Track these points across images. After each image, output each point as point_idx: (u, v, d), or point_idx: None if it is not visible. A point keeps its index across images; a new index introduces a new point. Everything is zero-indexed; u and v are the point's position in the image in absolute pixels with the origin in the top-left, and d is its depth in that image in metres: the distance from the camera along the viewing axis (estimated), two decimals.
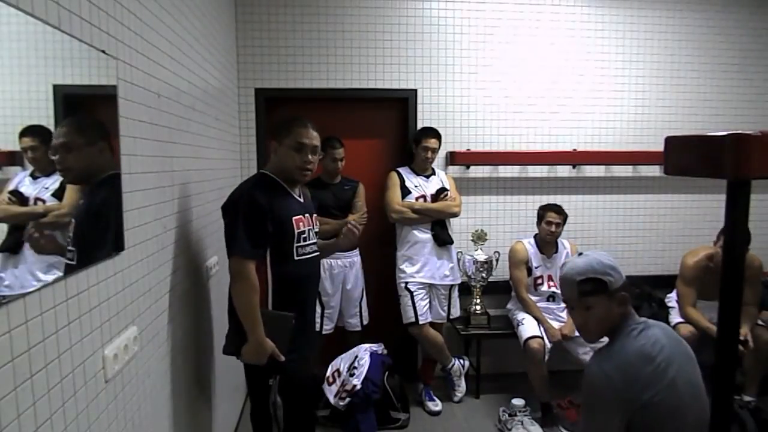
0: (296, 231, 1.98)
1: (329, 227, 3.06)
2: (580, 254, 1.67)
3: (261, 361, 1.91)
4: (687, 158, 0.99)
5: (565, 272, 1.64)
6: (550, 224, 3.25)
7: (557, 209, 3.29)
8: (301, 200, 2.09)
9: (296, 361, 2.01)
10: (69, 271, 1.10)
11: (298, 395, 2.10)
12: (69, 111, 1.16)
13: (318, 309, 2.97)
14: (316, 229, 2.15)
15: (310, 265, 2.06)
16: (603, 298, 1.56)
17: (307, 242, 2.04)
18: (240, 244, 1.86)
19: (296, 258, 1.99)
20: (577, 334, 3.08)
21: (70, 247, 1.12)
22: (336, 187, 3.21)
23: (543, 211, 3.32)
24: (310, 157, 1.99)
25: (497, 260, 3.46)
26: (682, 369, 1.50)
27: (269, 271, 1.95)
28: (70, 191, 1.13)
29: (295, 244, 1.98)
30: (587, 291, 1.57)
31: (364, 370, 2.97)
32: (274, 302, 1.96)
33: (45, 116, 1.06)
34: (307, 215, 2.06)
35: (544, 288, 3.31)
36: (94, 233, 1.26)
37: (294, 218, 1.98)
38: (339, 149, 3.14)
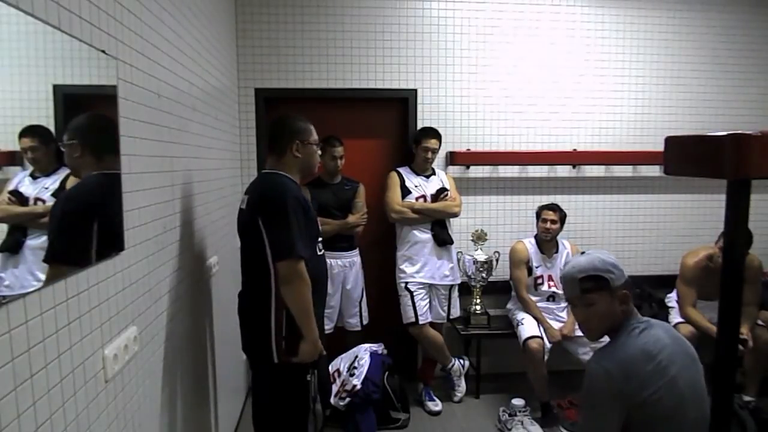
0: (320, 229, 2.09)
1: (329, 227, 3.06)
2: (583, 253, 1.69)
3: (315, 358, 1.96)
4: (687, 158, 0.99)
5: (567, 270, 1.66)
6: (545, 221, 3.27)
7: (553, 207, 3.31)
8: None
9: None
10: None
11: (326, 389, 2.19)
12: (69, 111, 1.15)
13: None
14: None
15: (324, 261, 2.16)
16: (604, 296, 1.58)
17: (321, 240, 2.12)
18: (295, 246, 1.85)
19: (317, 254, 2.05)
20: (577, 333, 3.10)
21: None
22: (336, 186, 3.21)
23: (540, 210, 3.35)
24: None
25: (497, 260, 3.46)
26: (684, 368, 1.51)
27: None
28: None
29: (316, 242, 2.06)
30: (589, 288, 1.59)
31: (364, 370, 2.97)
32: None
33: (45, 116, 1.06)
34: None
35: (545, 288, 3.31)
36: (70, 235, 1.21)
37: (317, 217, 2.10)
38: (338, 147, 3.15)
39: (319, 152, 2.16)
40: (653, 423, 1.46)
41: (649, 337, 1.53)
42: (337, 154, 3.14)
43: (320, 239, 2.09)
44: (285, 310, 1.91)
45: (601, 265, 1.59)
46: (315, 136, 2.09)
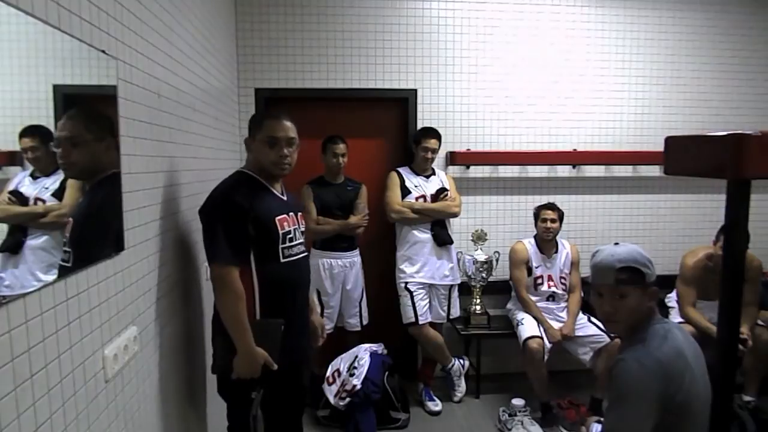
0: (281, 232, 1.86)
1: (330, 227, 3.06)
2: (616, 244, 1.64)
3: (255, 373, 1.79)
4: (687, 158, 0.99)
5: (602, 258, 1.60)
6: (545, 221, 3.27)
7: (551, 206, 3.32)
8: (284, 198, 1.97)
9: (285, 369, 1.88)
10: (63, 273, 1.08)
11: (285, 407, 1.99)
12: (69, 111, 1.15)
13: (317, 309, 2.94)
14: (302, 229, 2.02)
15: (298, 266, 1.95)
16: (638, 289, 1.55)
17: (294, 243, 1.92)
18: (220, 249, 1.75)
19: (283, 260, 1.87)
20: (577, 333, 3.10)
21: (66, 248, 1.11)
22: (339, 187, 3.21)
23: (538, 210, 3.35)
24: (285, 150, 1.86)
25: (497, 260, 3.46)
26: (700, 366, 1.53)
27: (255, 276, 1.84)
28: (71, 191, 1.13)
29: (281, 246, 1.86)
30: (625, 279, 1.55)
31: (364, 370, 2.97)
32: (262, 308, 1.85)
33: (45, 116, 1.06)
34: (291, 214, 1.94)
35: (544, 288, 3.31)
36: (93, 233, 1.25)
37: (277, 218, 1.86)
38: (340, 145, 3.14)
39: (297, 149, 1.95)
40: (679, 423, 1.46)
41: (676, 336, 1.52)
42: (338, 152, 3.13)
43: (287, 245, 1.89)
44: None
45: (640, 258, 1.56)
46: (267, 134, 1.86)
